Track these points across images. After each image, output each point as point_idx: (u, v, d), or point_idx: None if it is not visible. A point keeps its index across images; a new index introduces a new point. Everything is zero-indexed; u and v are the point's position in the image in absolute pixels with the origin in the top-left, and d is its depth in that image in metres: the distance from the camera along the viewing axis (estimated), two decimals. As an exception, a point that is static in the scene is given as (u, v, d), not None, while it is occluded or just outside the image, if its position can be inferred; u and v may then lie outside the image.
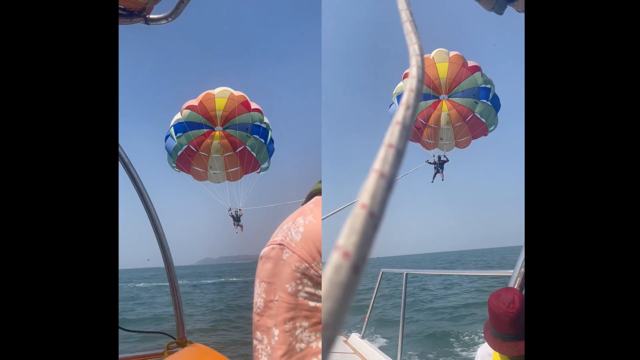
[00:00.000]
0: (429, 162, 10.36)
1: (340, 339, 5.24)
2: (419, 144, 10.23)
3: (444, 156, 10.28)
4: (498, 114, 9.43)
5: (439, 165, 10.29)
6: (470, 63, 9.25)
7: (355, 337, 5.17)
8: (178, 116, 9.81)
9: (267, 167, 10.69)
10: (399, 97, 9.83)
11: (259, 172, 10.65)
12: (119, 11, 1.59)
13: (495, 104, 9.38)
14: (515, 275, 1.91)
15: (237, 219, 10.96)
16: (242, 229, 11.07)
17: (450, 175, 10.54)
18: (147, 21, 1.52)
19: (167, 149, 10.12)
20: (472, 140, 9.86)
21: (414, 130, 10.68)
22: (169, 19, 1.44)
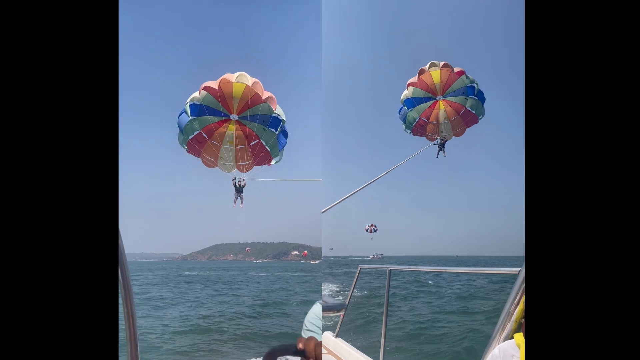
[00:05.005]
0: (435, 144, 12.88)
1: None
2: (424, 137, 12.57)
3: (444, 139, 12.88)
4: (484, 104, 11.94)
5: (441, 145, 12.87)
6: (456, 69, 11.72)
7: (328, 336, 4.73)
8: (196, 95, 9.48)
9: (280, 160, 10.53)
10: (405, 101, 12.15)
11: (270, 165, 10.49)
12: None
13: (480, 97, 11.88)
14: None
15: (239, 189, 10.30)
16: (242, 201, 10.39)
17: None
18: None
19: (179, 126, 9.72)
20: (467, 129, 12.31)
21: (419, 127, 13.07)
22: None
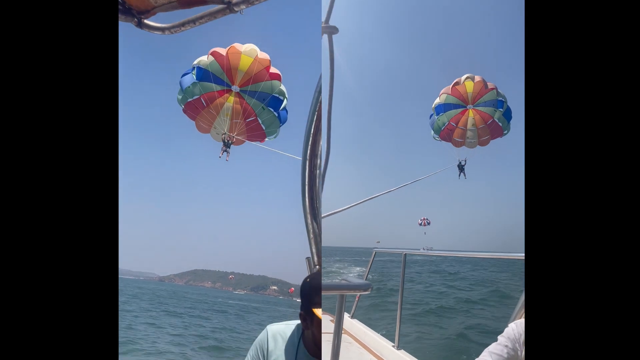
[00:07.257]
0: (457, 165, 13.61)
1: (327, 318, 4.99)
2: (450, 142, 13.28)
3: (464, 160, 13.64)
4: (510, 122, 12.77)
5: (461, 167, 13.62)
6: (490, 84, 12.66)
7: (344, 317, 4.49)
8: (203, 59, 9.50)
9: (276, 136, 10.43)
10: (436, 107, 12.97)
11: (262, 142, 10.42)
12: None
13: (507, 115, 12.72)
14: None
15: (227, 144, 10.28)
16: (228, 155, 10.42)
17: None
18: (141, 25, 1.23)
19: (181, 85, 9.68)
20: (491, 140, 13.06)
21: (446, 131, 13.81)
22: (166, 32, 1.19)
